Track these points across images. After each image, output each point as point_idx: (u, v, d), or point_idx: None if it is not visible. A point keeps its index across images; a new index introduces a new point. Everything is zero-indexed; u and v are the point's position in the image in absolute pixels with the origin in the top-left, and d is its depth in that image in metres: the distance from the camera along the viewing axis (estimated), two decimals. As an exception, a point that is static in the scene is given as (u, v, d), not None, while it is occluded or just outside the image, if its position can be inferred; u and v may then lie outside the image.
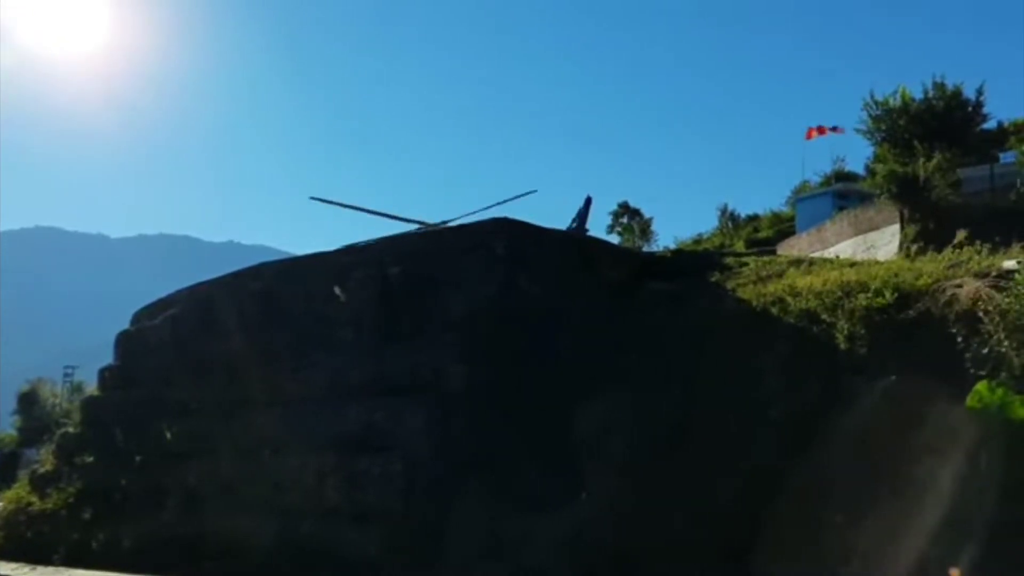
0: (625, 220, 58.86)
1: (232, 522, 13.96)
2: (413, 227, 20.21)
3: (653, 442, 11.10)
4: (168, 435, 16.93)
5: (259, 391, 15.53)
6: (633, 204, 58.94)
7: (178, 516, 15.08)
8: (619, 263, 17.45)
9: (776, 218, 56.01)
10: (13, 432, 65.10)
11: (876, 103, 36.68)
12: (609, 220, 58.47)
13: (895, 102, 36.06)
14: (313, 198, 23.77)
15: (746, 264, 16.96)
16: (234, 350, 16.62)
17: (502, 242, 14.66)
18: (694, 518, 9.86)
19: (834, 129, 51.89)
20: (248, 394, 15.73)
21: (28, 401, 62.95)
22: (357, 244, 17.10)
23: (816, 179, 56.61)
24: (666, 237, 58.11)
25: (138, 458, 17.35)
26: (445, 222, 19.77)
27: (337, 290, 14.76)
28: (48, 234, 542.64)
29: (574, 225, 19.25)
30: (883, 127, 36.53)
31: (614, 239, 52.78)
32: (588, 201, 19.45)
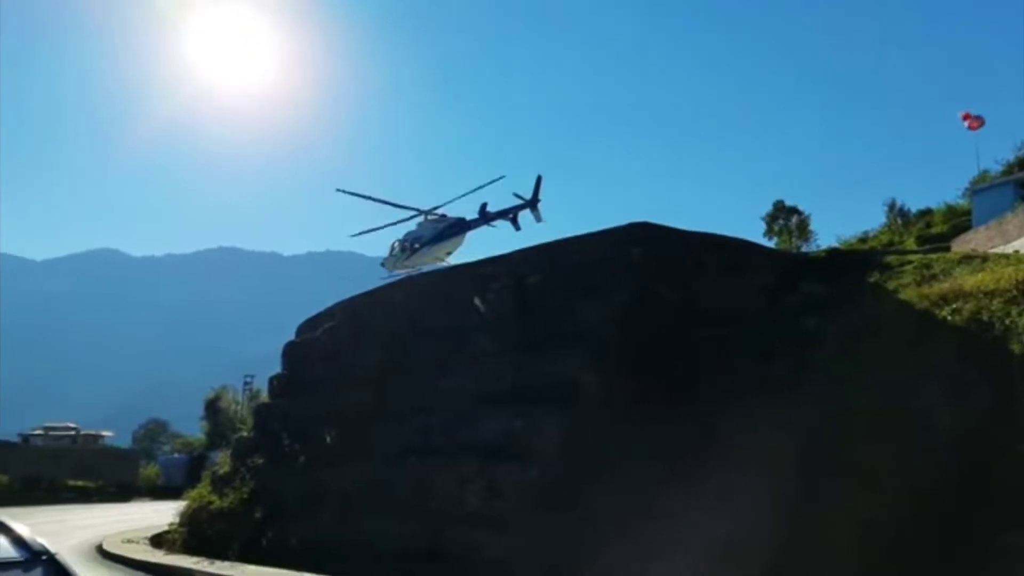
0: (781, 221, 56.31)
1: (380, 525, 14.45)
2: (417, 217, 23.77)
3: (803, 453, 10.48)
4: (328, 439, 17.84)
5: (405, 399, 16.04)
6: (790, 203, 56.37)
7: (334, 517, 15.78)
8: (768, 265, 16.69)
9: (951, 212, 51.68)
10: (202, 436, 71.05)
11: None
12: (764, 222, 56.18)
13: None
14: (339, 190, 24.45)
15: (910, 263, 15.75)
16: (382, 359, 17.28)
17: (638, 248, 14.40)
18: (843, 538, 9.19)
19: (977, 119, 47.23)
20: (395, 402, 16.28)
21: (213, 408, 68.55)
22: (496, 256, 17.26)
23: (997, 168, 51.76)
24: (828, 236, 54.99)
25: (302, 459, 18.40)
26: (435, 208, 23.38)
27: (477, 301, 14.99)
28: (229, 254, 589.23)
29: (523, 203, 21.55)
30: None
31: (771, 242, 50.65)
32: (538, 179, 21.98)
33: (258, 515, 18.21)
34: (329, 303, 23.42)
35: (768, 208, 57.91)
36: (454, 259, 22.51)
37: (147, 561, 18.15)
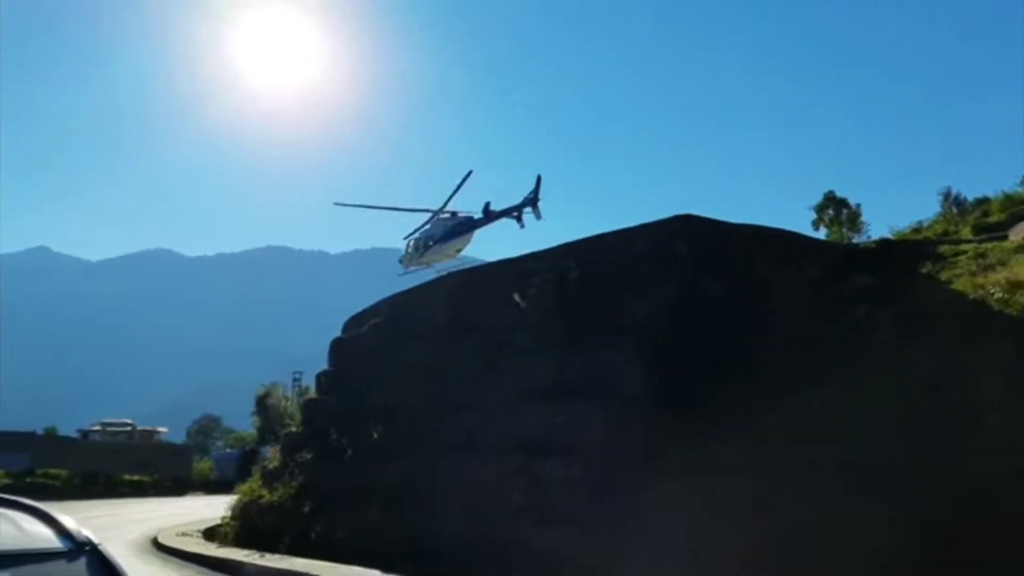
0: (831, 212, 55.23)
1: (426, 520, 14.54)
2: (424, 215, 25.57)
3: (851, 450, 10.24)
4: (374, 435, 18.04)
5: (449, 395, 16.11)
6: (840, 195, 55.22)
7: (381, 512, 15.93)
8: (817, 257, 16.36)
9: (1008, 200, 50.13)
10: (253, 432, 72.50)
11: None
12: (813, 213, 55.14)
13: None
14: (337, 203, 26.84)
15: (964, 252, 15.31)
16: (426, 356, 17.39)
17: (684, 242, 14.23)
18: (895, 539, 8.93)
19: None
20: (439, 397, 16.37)
21: (263, 404, 69.90)
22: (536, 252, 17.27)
23: (1057, 152, 49.92)
24: (880, 227, 53.82)
25: (348, 454, 18.63)
26: (442, 209, 25.08)
27: (516, 297, 14.98)
28: (278, 253, 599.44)
29: (529, 198, 23.01)
30: None
31: (820, 234, 49.66)
32: (538, 179, 23.39)
33: (307, 509, 18.47)
34: (376, 300, 23.70)
35: (817, 200, 56.80)
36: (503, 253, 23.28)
37: (200, 554, 18.57)
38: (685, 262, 14.06)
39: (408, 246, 26.32)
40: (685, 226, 14.68)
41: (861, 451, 10.06)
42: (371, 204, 27.59)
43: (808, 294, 14.30)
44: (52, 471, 49.17)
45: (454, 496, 14.40)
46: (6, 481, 43.38)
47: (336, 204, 29.00)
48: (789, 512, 9.56)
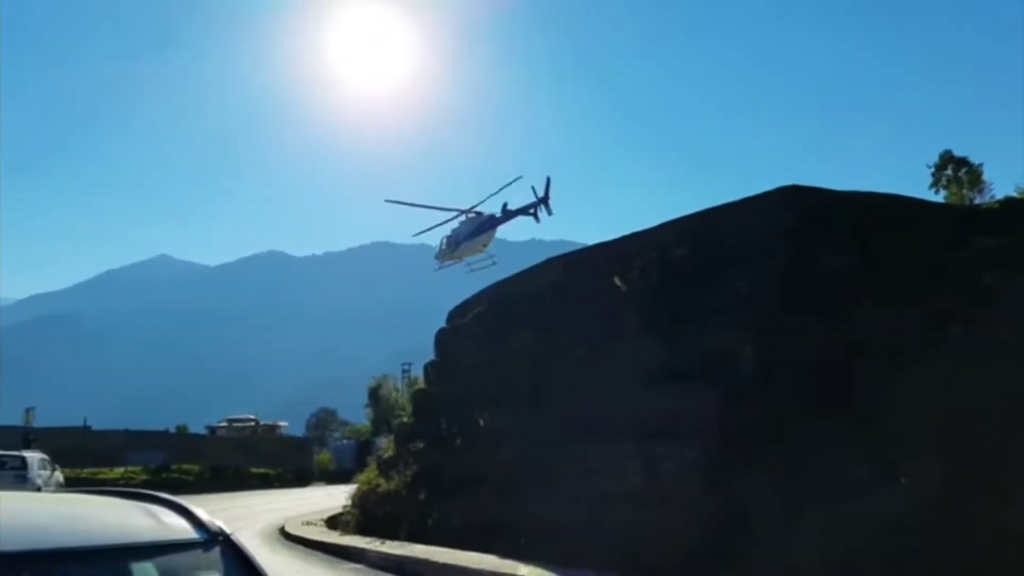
0: (949, 172, 52.04)
1: (538, 505, 14.61)
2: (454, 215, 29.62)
3: (976, 423, 9.66)
4: (482, 423, 18.27)
5: (555, 380, 16.11)
6: (959, 154, 51.97)
7: (493, 498, 16.12)
8: (934, 221, 15.44)
9: None
10: (367, 423, 74.76)
11: None
12: (930, 175, 52.11)
13: None
14: (388, 200, 30.18)
15: (1102, 209, 14.16)
16: (530, 342, 17.45)
17: (791, 213, 13.68)
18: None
19: None
20: (545, 383, 16.39)
21: (375, 396, 72.00)
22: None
23: None
24: (1005, 186, 50.33)
25: (458, 443, 18.95)
26: (473, 207, 29.07)
27: (617, 280, 14.81)
28: (382, 248, 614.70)
29: (541, 198, 26.68)
30: None
31: (938, 196, 46.84)
32: (548, 180, 27.07)
33: (422, 497, 18.89)
34: (478, 289, 24.06)
35: (934, 160, 53.53)
36: (604, 236, 24.85)
37: (324, 542, 19.33)
38: (793, 234, 13.52)
39: (441, 243, 30.40)
40: (791, 197, 14.12)
41: (994, 430, 9.48)
42: (422, 204, 31.69)
43: (926, 261, 13.53)
44: (184, 466, 51.96)
45: (565, 481, 14.40)
46: (143, 477, 46.25)
47: (387, 201, 35.07)
48: (915, 488, 9.10)
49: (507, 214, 28.18)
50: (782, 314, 12.51)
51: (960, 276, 12.63)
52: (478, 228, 29.04)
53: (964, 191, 52.76)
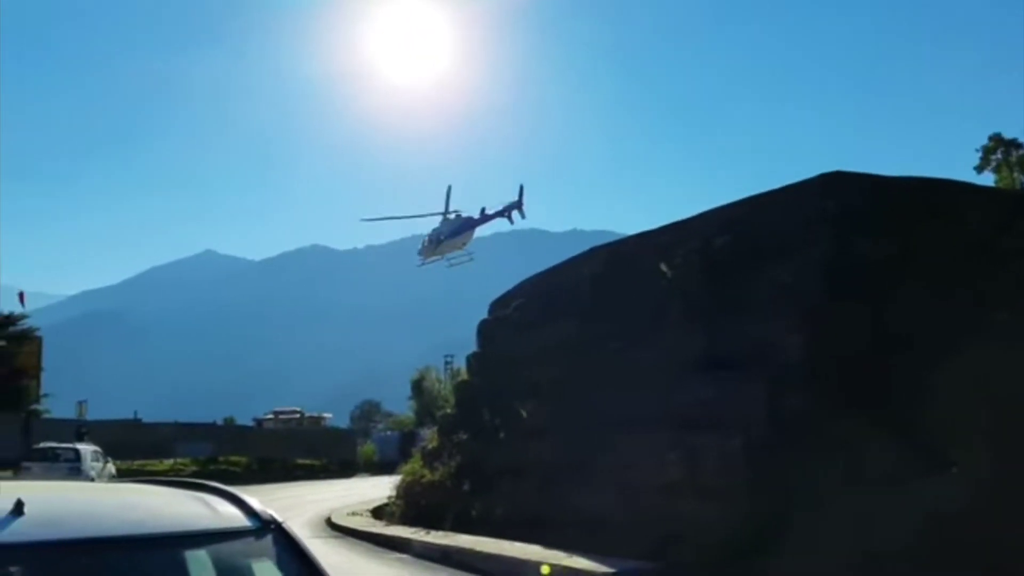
0: (999, 156, 50.54)
1: (580, 495, 14.65)
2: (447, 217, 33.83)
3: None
4: (524, 414, 18.34)
5: (596, 371, 16.11)
6: (1009, 135, 50.36)
7: (536, 489, 16.21)
8: (982, 207, 15.12)
9: None
10: (411, 414, 75.34)
11: None
12: (978, 158, 50.61)
13: None
14: (364, 219, 33.41)
15: None
16: (571, 333, 17.46)
17: (832, 200, 13.48)
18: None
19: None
20: (587, 374, 16.39)
21: (418, 387, 72.49)
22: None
23: None
24: (1057, 168, 48.76)
25: (501, 434, 19.05)
26: (455, 210, 33.58)
27: (663, 267, 14.74)
28: (419, 242, 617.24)
29: (515, 202, 30.40)
30: None
31: (987, 180, 45.58)
32: (521, 188, 31.22)
33: (466, 487, 19.04)
34: (519, 281, 24.12)
35: (983, 143, 52.02)
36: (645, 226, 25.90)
37: (370, 532, 19.64)
38: (835, 222, 13.33)
39: (424, 241, 33.43)
40: (833, 184, 13.92)
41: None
42: (393, 216, 37.55)
43: (972, 248, 13.26)
44: (232, 458, 52.88)
45: (607, 471, 14.41)
46: (193, 468, 47.17)
47: (363, 220, 40.51)
48: (960, 479, 8.95)
49: (484, 216, 31.61)
50: (825, 303, 12.36)
51: (1007, 264, 12.37)
52: (458, 228, 32.35)
53: (1015, 175, 51.14)
